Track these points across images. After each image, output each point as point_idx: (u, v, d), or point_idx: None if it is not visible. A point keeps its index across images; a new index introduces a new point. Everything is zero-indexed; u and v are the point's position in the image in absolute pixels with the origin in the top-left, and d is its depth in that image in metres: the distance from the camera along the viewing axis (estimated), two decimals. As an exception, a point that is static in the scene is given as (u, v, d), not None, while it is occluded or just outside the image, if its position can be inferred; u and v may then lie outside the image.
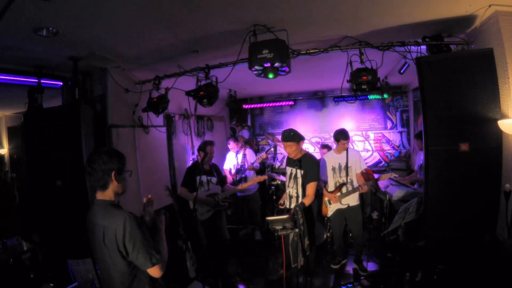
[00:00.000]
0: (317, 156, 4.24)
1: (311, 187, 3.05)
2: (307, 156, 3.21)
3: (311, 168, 3.11)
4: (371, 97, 5.77)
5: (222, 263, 3.84)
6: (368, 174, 4.27)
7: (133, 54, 3.22)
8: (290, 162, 3.28)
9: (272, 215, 4.69)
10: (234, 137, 5.38)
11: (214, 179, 3.70)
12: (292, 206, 3.21)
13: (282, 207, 3.47)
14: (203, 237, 3.68)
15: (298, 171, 3.13)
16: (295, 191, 3.17)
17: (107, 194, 1.61)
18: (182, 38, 2.83)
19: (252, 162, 4.74)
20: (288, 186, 3.30)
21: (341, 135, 3.48)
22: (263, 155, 4.59)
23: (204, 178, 3.57)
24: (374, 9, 2.42)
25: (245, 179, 4.70)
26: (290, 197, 3.26)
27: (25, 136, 3.54)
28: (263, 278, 3.62)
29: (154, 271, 1.55)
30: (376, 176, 4.42)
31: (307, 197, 3.04)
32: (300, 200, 3.10)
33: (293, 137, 3.12)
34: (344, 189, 3.52)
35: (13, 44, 2.57)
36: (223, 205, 3.64)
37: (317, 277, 3.55)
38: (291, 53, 2.78)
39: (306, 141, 6.81)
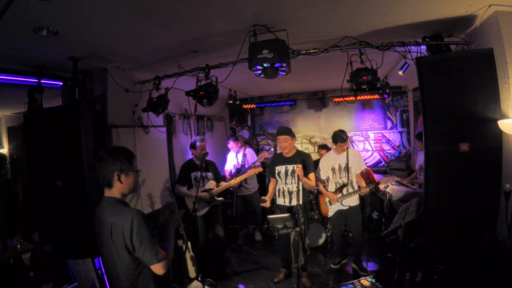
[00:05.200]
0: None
1: (312, 176, 3.29)
2: (301, 151, 3.47)
3: (308, 161, 3.32)
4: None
5: (222, 263, 3.83)
6: (368, 175, 4.27)
7: (133, 54, 3.22)
8: (282, 160, 3.38)
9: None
10: (234, 136, 5.37)
11: (209, 174, 3.71)
12: (294, 201, 3.26)
13: (265, 204, 3.36)
14: (203, 234, 3.68)
15: (295, 166, 3.16)
16: (295, 185, 3.24)
17: (114, 192, 1.64)
18: (182, 38, 2.83)
19: (253, 161, 4.74)
20: (286, 183, 3.34)
21: (339, 138, 3.46)
22: (265, 153, 4.60)
23: (198, 174, 3.57)
24: (374, 9, 2.42)
25: (245, 179, 4.68)
26: (290, 193, 3.32)
27: (25, 136, 3.54)
28: (263, 278, 3.62)
29: (158, 268, 1.57)
30: (377, 178, 4.43)
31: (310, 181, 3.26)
32: (301, 194, 3.18)
33: (289, 131, 3.33)
34: (345, 190, 3.52)
35: (13, 44, 2.57)
36: (218, 200, 3.65)
37: (317, 277, 3.55)
38: (291, 53, 2.77)
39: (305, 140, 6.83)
